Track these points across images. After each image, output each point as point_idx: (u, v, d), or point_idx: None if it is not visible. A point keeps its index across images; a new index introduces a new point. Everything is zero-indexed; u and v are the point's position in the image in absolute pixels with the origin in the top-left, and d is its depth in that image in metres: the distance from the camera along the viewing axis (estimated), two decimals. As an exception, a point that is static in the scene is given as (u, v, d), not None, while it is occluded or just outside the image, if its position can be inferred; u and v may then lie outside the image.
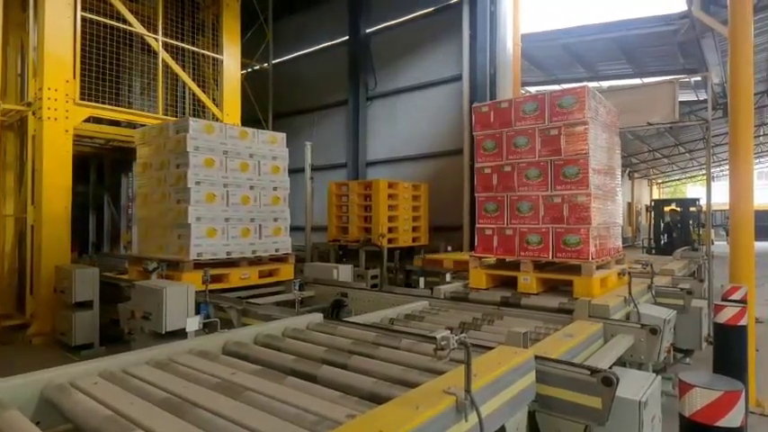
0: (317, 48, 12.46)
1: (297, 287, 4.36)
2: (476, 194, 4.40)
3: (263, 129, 12.58)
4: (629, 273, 3.62)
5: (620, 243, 4.64)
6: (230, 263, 5.02)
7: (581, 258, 3.76)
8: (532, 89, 14.86)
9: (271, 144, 5.53)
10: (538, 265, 4.06)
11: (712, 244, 6.93)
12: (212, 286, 4.34)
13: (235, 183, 5.11)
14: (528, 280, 3.97)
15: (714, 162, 25.77)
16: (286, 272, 5.49)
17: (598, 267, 3.84)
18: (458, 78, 9.35)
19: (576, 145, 3.84)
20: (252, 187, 5.26)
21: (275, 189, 5.53)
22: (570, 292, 3.81)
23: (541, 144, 3.99)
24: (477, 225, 4.36)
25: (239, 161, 5.15)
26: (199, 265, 4.68)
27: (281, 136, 5.68)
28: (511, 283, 4.12)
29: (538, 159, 4.01)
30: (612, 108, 4.61)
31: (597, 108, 4.08)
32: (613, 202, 4.40)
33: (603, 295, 3.70)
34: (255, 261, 5.30)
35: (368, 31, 11.19)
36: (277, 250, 5.49)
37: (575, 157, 3.83)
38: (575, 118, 3.84)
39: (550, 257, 3.91)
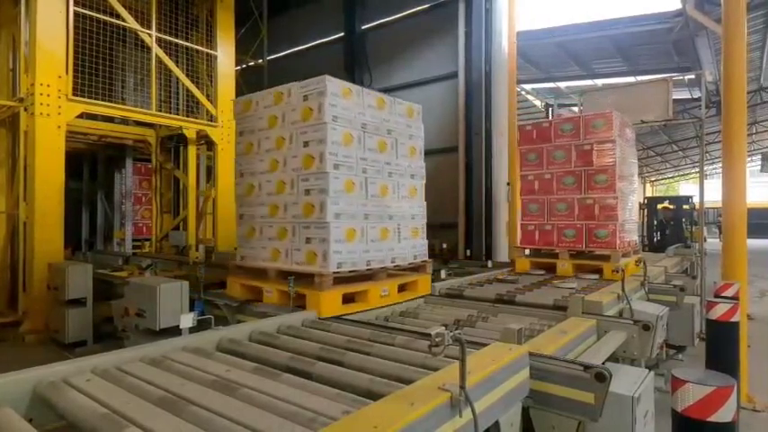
0: (312, 44, 12.41)
1: (291, 283, 4.34)
2: (521, 197, 5.43)
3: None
4: (623, 269, 3.65)
5: (635, 237, 5.49)
6: (368, 275, 3.76)
7: (610, 248, 4.76)
8: (528, 86, 14.90)
9: (408, 118, 4.27)
10: (572, 254, 5.01)
11: (705, 241, 6.98)
12: (349, 309, 3.44)
13: (374, 167, 3.83)
14: (565, 266, 4.99)
15: (707, 160, 25.93)
16: (423, 285, 4.18)
17: (622, 255, 4.78)
18: (453, 76, 9.35)
19: (605, 158, 4.82)
20: (390, 174, 3.99)
21: (412, 177, 4.25)
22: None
23: (576, 157, 5.00)
24: (521, 222, 5.43)
25: (378, 139, 3.89)
26: (339, 279, 3.47)
27: (418, 109, 4.44)
28: (550, 269, 5.14)
29: (573, 169, 5.02)
30: (630, 123, 5.48)
31: (621, 127, 5.04)
32: (631, 203, 5.27)
33: (597, 291, 3.74)
34: (393, 272, 4.07)
35: (363, 27, 11.15)
36: (415, 257, 4.20)
37: (604, 168, 4.83)
38: (604, 137, 4.84)
39: (583, 248, 4.92)
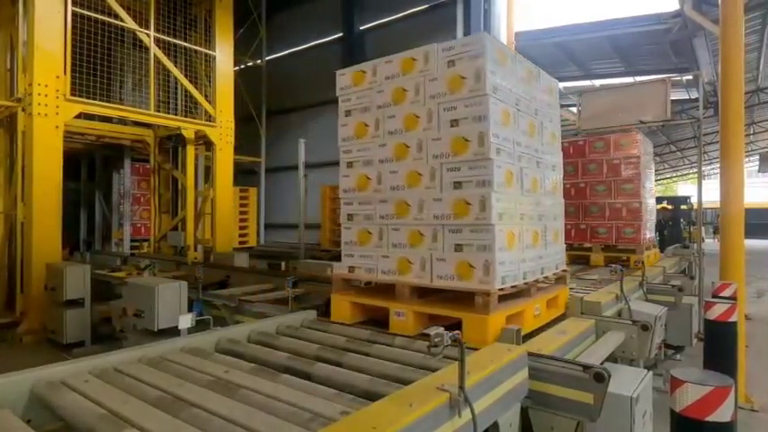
0: (310, 44, 12.41)
1: (290, 284, 4.33)
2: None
3: (258, 127, 12.69)
4: (622, 270, 3.65)
5: (653, 234, 6.60)
6: (521, 291, 2.94)
7: (635, 243, 5.74)
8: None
9: (548, 95, 3.51)
10: (603, 248, 6.00)
11: (703, 241, 7.00)
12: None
13: (526, 155, 3.09)
14: (598, 257, 5.95)
15: (705, 160, 25.97)
16: (563, 300, 3.41)
17: (645, 249, 5.78)
18: (452, 76, 9.35)
19: (632, 170, 5.83)
20: (538, 163, 3.24)
21: (553, 169, 3.50)
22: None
23: (607, 169, 6.00)
24: None
25: (528, 119, 3.13)
26: (501, 298, 2.68)
27: (557, 86, 3.69)
28: (584, 260, 6.04)
29: (604, 179, 6.01)
30: (650, 141, 6.57)
31: (644, 144, 6.06)
32: (650, 206, 6.30)
33: (597, 292, 3.74)
34: (540, 286, 3.23)
35: (362, 27, 11.17)
36: (557, 266, 3.47)
37: (630, 178, 5.82)
38: (630, 153, 5.84)
39: (613, 242, 5.92)
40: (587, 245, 6.10)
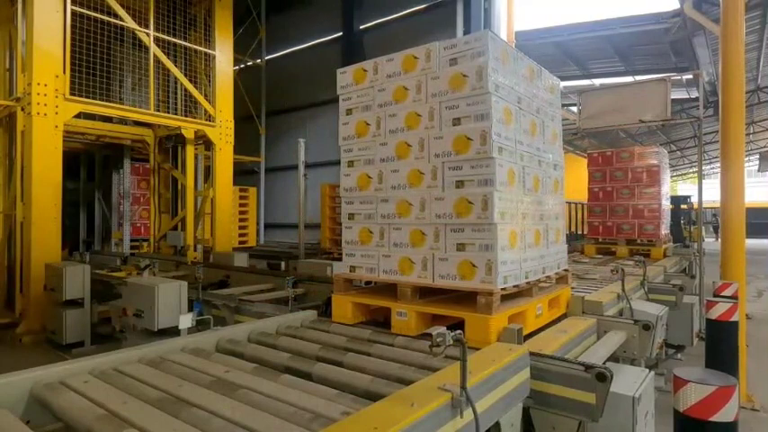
0: (310, 44, 12.40)
1: (290, 284, 4.32)
2: (587, 203, 7.63)
3: (257, 127, 12.68)
4: (623, 269, 3.64)
5: (668, 230, 7.66)
6: (522, 291, 2.94)
7: (654, 238, 6.89)
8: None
9: (550, 93, 3.51)
10: (626, 242, 7.11)
11: (703, 241, 7.03)
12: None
13: (528, 154, 3.08)
14: (622, 250, 7.04)
15: (705, 160, 25.98)
16: (565, 300, 3.38)
17: (663, 243, 6.90)
18: (452, 75, 9.35)
19: (652, 177, 6.93)
20: (540, 163, 3.25)
21: (555, 167, 3.47)
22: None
23: (631, 176, 7.10)
24: (587, 220, 7.66)
25: (530, 118, 3.14)
26: (506, 298, 2.73)
27: (559, 84, 3.70)
28: (610, 253, 7.18)
29: (629, 184, 7.12)
30: (666, 152, 7.64)
31: (662, 155, 7.22)
32: (666, 206, 7.34)
33: (598, 291, 3.74)
34: (541, 285, 3.23)
35: (361, 27, 11.15)
36: (559, 266, 3.46)
37: (651, 183, 6.94)
38: (651, 163, 6.99)
39: (636, 237, 7.03)
40: (612, 239, 7.29)
